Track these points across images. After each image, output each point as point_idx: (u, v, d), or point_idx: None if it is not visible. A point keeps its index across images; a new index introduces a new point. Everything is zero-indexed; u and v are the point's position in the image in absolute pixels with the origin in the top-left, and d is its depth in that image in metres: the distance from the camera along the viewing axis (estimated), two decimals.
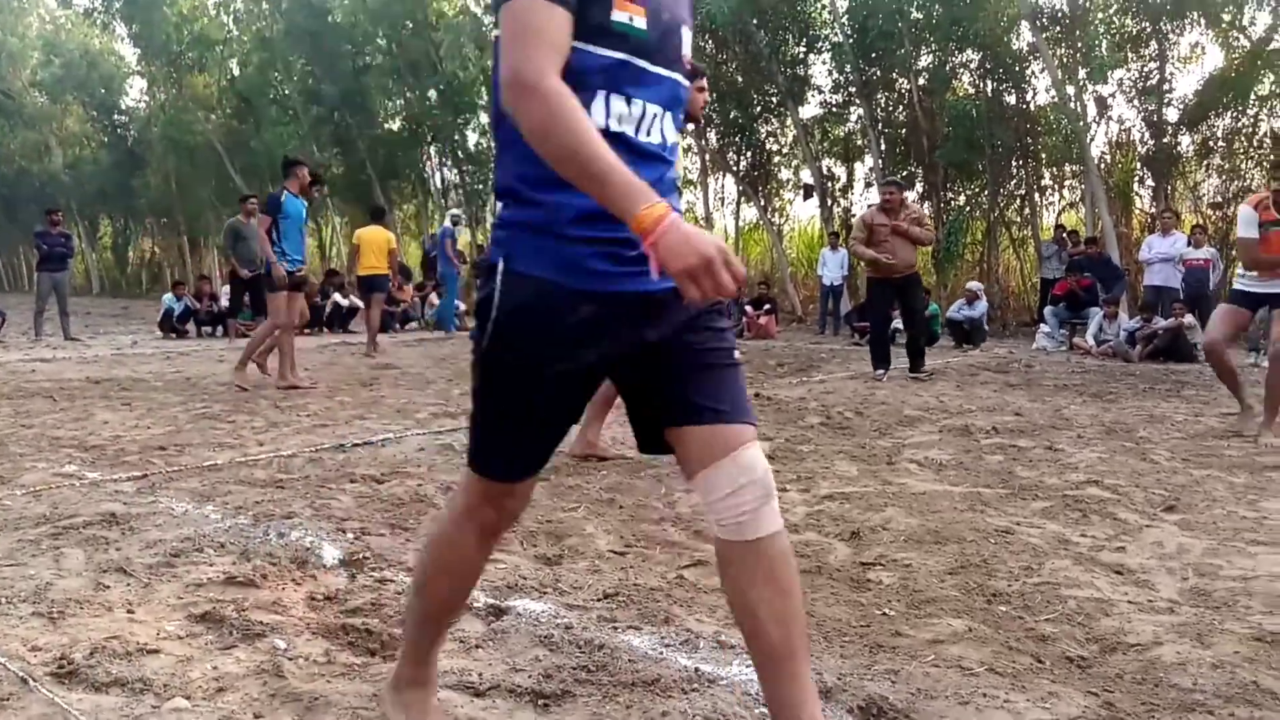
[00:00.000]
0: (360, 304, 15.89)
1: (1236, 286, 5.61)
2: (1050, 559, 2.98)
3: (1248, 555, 3.01)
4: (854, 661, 2.17)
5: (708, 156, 21.15)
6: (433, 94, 23.35)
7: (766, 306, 14.73)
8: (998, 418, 6.00)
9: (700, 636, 2.27)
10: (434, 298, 16.01)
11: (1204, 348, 5.70)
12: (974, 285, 13.16)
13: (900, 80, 18.19)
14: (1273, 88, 15.78)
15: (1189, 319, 10.70)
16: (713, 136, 21.16)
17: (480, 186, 23.75)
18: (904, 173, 18.68)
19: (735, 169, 21.16)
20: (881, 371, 8.47)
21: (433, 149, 24.65)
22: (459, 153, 24.26)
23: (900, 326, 9.72)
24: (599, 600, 2.54)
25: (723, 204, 22.90)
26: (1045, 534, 3.27)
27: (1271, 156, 15.83)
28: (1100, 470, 4.37)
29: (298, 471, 4.27)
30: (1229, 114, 15.87)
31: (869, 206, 10.55)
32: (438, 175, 25.30)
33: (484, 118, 23.83)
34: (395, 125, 25.26)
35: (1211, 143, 16.26)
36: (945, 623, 2.40)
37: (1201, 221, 11.66)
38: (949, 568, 2.88)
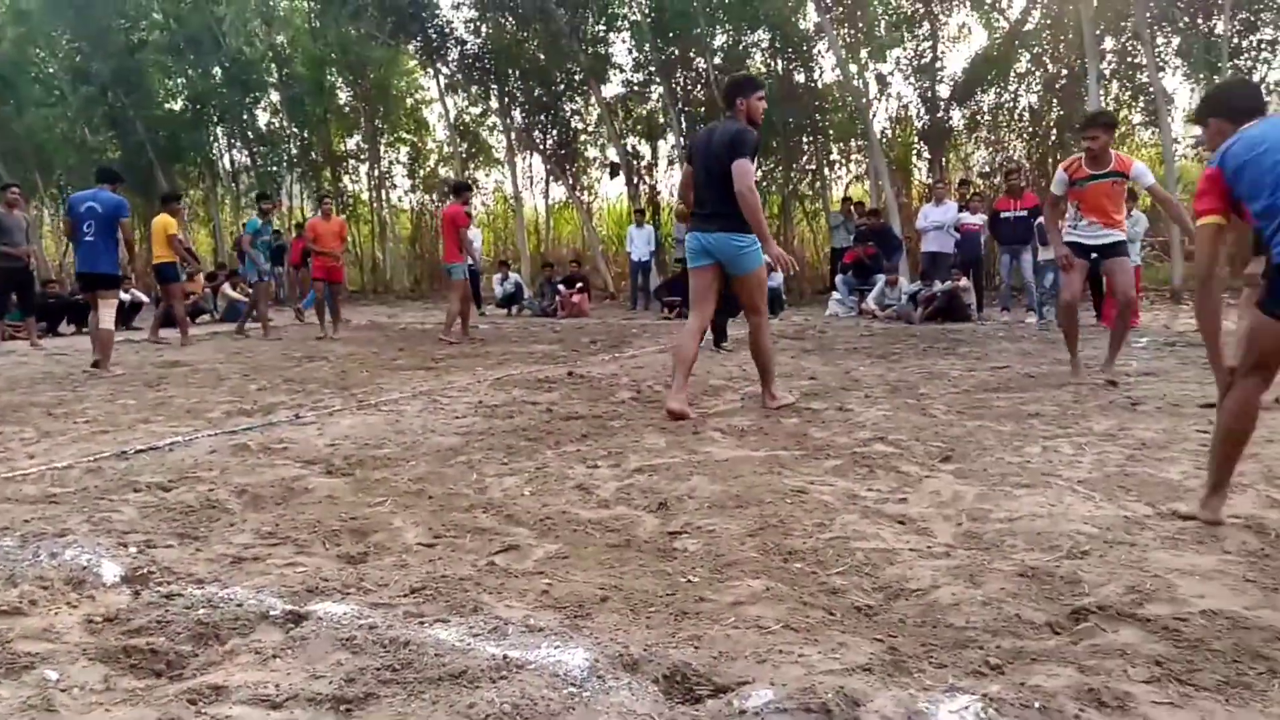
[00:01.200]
0: (143, 298, 14.85)
1: (1068, 239, 6.15)
2: (841, 514, 3.16)
3: (1013, 498, 3.31)
4: (660, 631, 2.23)
5: (514, 135, 20.93)
6: (217, 71, 21.91)
7: (579, 285, 14.82)
8: (794, 382, 6.30)
9: (509, 623, 2.27)
10: (227, 288, 15.12)
11: (1062, 304, 6.37)
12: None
13: (697, 59, 18.61)
14: (1029, 65, 17.22)
15: (964, 281, 11.58)
16: (518, 115, 20.96)
17: (275, 168, 22.53)
18: None
19: (542, 148, 21.05)
20: (723, 347, 8.78)
21: (219, 130, 23.19)
22: (249, 133, 22.94)
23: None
24: (405, 596, 2.49)
25: (531, 183, 22.79)
26: (836, 491, 3.47)
27: (1030, 128, 17.30)
28: (885, 427, 4.67)
29: (74, 484, 3.92)
30: (993, 90, 17.21)
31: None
32: (226, 157, 23.85)
33: (275, 96, 22.64)
34: (177, 105, 23.56)
35: (979, 117, 17.59)
36: (745, 584, 2.51)
37: (976, 190, 12.57)
38: (749, 530, 3.01)
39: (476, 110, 21.96)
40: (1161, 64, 15.71)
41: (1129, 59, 16.17)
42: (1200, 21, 15.16)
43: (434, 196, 23.43)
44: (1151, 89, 14.97)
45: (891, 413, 5.10)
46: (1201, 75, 15.18)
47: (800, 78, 18.13)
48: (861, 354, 8.13)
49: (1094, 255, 6.14)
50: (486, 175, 23.61)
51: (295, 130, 22.84)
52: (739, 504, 3.30)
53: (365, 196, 23.93)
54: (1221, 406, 2.99)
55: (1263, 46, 15.35)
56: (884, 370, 6.98)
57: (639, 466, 3.90)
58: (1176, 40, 15.85)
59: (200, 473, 4.04)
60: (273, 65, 22.06)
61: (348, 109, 22.76)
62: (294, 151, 22.97)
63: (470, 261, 11.07)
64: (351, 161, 23.89)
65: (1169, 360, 7.15)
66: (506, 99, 20.62)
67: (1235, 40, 15.18)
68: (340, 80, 22.30)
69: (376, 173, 23.20)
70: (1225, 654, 2.04)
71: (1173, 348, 8.00)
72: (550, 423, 4.96)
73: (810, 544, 2.85)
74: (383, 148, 23.24)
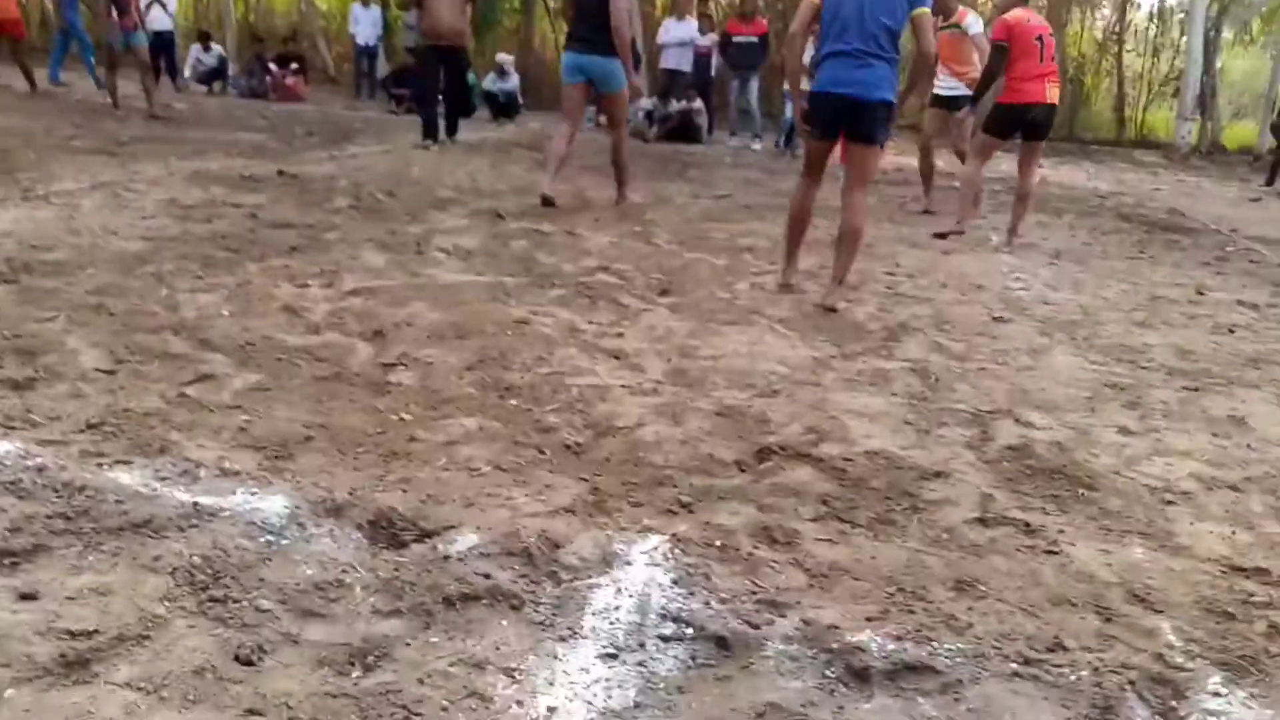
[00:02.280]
0: None
1: (934, 92, 6.90)
2: (560, 348, 3.21)
3: (720, 335, 3.50)
4: (367, 474, 2.19)
5: None
6: None
7: (294, 66, 13.45)
8: (526, 200, 6.20)
9: (201, 465, 2.13)
10: None
11: (918, 145, 7.29)
12: (502, 57, 13.10)
13: None
14: None
15: (698, 103, 11.73)
16: None
17: None
18: None
19: None
20: (429, 142, 8.59)
21: None
22: None
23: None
24: (81, 432, 2.26)
25: None
26: (558, 322, 3.50)
27: None
28: (610, 255, 4.74)
29: None
30: None
31: None
32: None
33: None
34: None
35: None
36: (459, 423, 2.51)
37: (705, 11, 12.54)
38: (468, 363, 2.98)
39: None
40: None
41: None
42: None
43: None
44: None
45: (618, 240, 5.17)
46: None
47: None
48: (595, 172, 8.10)
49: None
50: None
51: None
52: (459, 334, 3.25)
53: None
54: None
55: None
56: (613, 192, 7.01)
57: (355, 288, 3.71)
58: None
59: None
60: None
61: None
62: None
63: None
64: None
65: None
66: None
67: None
68: None
69: None
70: (880, 491, 2.32)
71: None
72: (255, 231, 4.58)
73: (528, 379, 2.88)
74: None
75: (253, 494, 2.02)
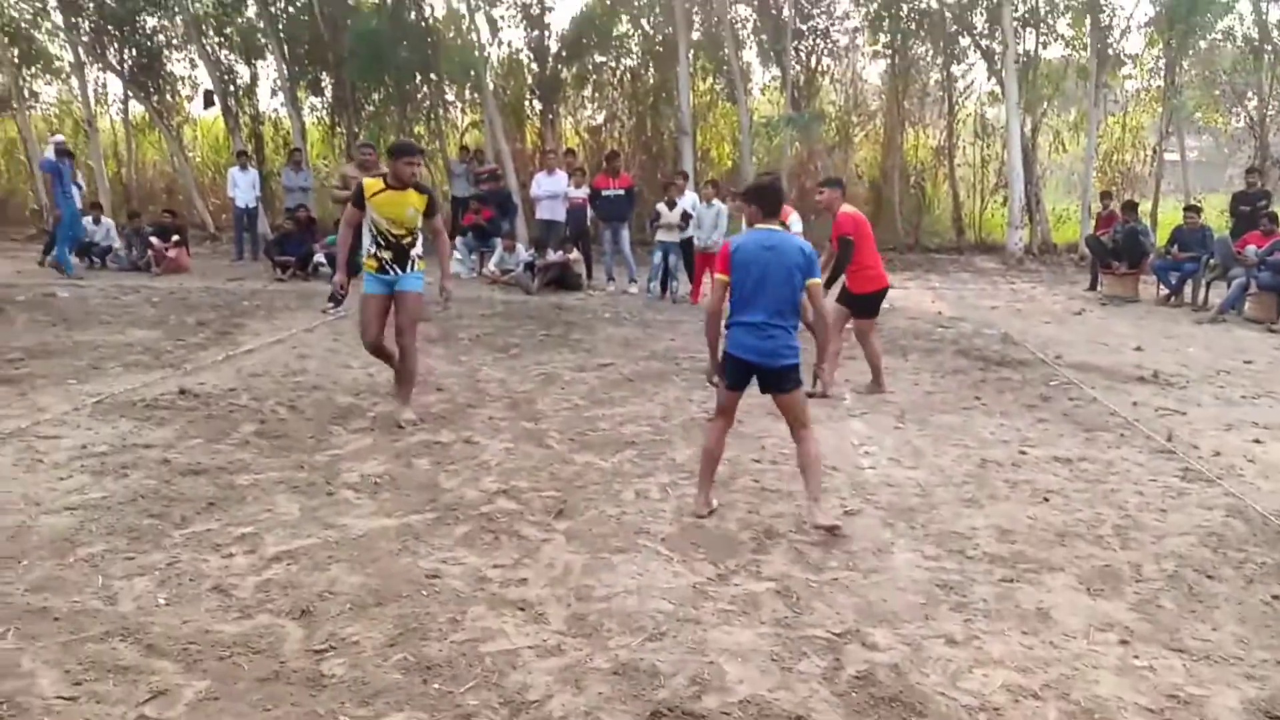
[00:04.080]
0: None
1: None
2: (471, 605, 3.64)
3: (611, 569, 4.00)
4: None
5: (81, 49, 18.33)
6: None
7: (175, 238, 13.63)
8: (422, 398, 6.64)
9: None
10: None
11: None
12: None
13: None
14: (628, 27, 18.36)
15: (575, 254, 12.47)
16: (86, 24, 18.37)
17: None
18: (311, 77, 18.30)
19: (119, 67, 18.69)
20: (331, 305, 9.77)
21: None
22: None
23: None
24: None
25: (108, 100, 20.20)
26: (466, 571, 3.93)
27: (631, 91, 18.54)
28: (508, 468, 5.22)
29: None
30: (597, 50, 18.17)
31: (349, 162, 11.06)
32: None
33: None
34: None
35: (586, 74, 18.51)
36: None
37: (579, 165, 13.40)
38: (390, 638, 3.38)
39: (30, 10, 18.86)
40: (739, 41, 17.58)
41: (712, 31, 17.87)
42: (771, 7, 17.14)
43: None
44: (729, 67, 16.74)
45: (513, 444, 5.65)
46: (771, 54, 17.26)
47: (412, 14, 17.78)
48: (484, 346, 8.63)
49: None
50: (48, 84, 20.56)
51: None
52: (378, 600, 3.65)
53: None
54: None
55: (816, 33, 17.77)
56: (505, 373, 7.54)
57: (276, 554, 4.07)
58: (754, 18, 17.81)
59: None
60: None
61: None
62: None
63: None
64: None
65: None
66: (71, 4, 17.96)
67: (797, 23, 17.40)
68: None
69: None
70: None
71: None
72: (171, 483, 4.87)
73: (445, 652, 3.29)
74: None
75: None
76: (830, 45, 18.46)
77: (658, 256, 11.85)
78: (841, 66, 19.12)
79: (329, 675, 3.15)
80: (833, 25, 18.18)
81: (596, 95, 18.78)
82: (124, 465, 5.15)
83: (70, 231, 12.89)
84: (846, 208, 6.50)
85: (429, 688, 3.09)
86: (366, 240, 6.23)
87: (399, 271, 6.03)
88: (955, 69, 18.37)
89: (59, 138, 13.94)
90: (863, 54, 19.34)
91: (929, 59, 18.70)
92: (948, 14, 17.27)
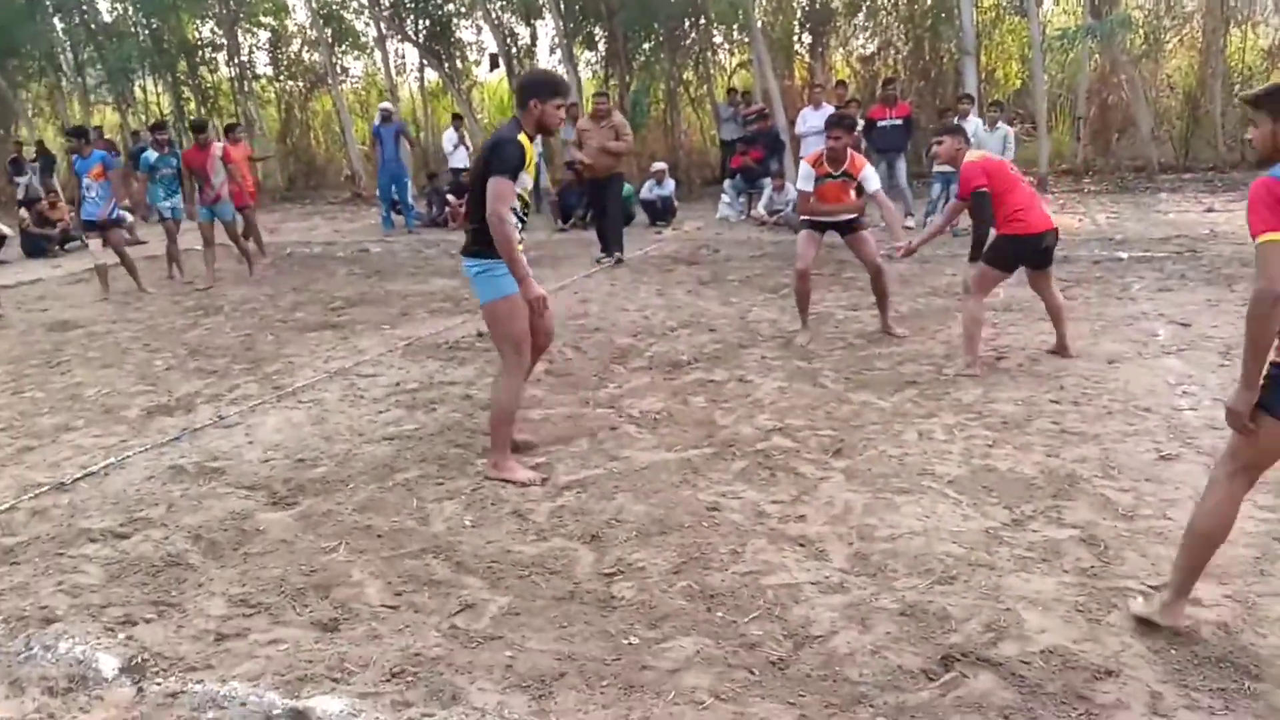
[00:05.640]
0: (4, 230, 14.04)
1: (804, 217, 6.73)
2: (751, 538, 3.64)
3: (894, 509, 3.85)
4: (614, 711, 2.68)
5: (382, 24, 20.00)
6: None
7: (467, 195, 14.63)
8: (696, 338, 6.73)
9: (485, 713, 2.68)
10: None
11: (795, 272, 6.76)
12: (659, 166, 13.84)
13: None
14: None
15: None
16: (386, 0, 19.99)
17: (125, 61, 20.90)
18: (585, 32, 18.82)
19: (415, 37, 20.23)
20: (608, 255, 10.06)
21: (57, 21, 21.35)
22: (91, 25, 21.24)
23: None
24: (387, 681, 2.86)
25: (405, 70, 21.95)
26: (745, 505, 3.94)
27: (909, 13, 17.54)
28: (782, 407, 5.16)
29: (23, 531, 4.10)
30: None
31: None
32: (69, 51, 22.05)
33: None
34: None
35: (856, 1, 17.72)
36: (678, 644, 2.97)
37: (854, 96, 12.89)
38: (674, 565, 3.46)
39: None
40: None
41: None
42: None
43: (301, 84, 22.41)
44: None
45: (787, 383, 5.58)
46: None
47: None
48: (753, 287, 8.59)
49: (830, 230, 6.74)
50: (356, 59, 22.65)
51: (143, 20, 21.21)
52: (662, 529, 3.75)
53: (225, 88, 22.64)
54: (1200, 506, 2.86)
55: None
56: (776, 313, 7.46)
57: (567, 482, 4.29)
58: None
59: (147, 510, 4.24)
60: None
61: None
62: (143, 41, 21.37)
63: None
64: (208, 51, 22.44)
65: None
66: None
67: None
68: None
69: (237, 61, 21.91)
70: (1056, 697, 2.62)
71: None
72: (473, 416, 5.26)
73: (728, 582, 3.32)
74: (240, 34, 21.88)
75: None
76: None
77: (936, 189, 11.21)
78: None
79: (618, 597, 3.28)
80: None
81: (870, 22, 17.93)
82: (432, 400, 5.63)
83: (386, 194, 14.27)
84: (972, 154, 5.65)
85: (713, 615, 3.14)
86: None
87: None
88: None
89: (384, 105, 15.27)
90: None
91: None
92: None
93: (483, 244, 4.20)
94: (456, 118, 16.68)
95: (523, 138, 4.16)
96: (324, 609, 3.31)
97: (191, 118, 19.12)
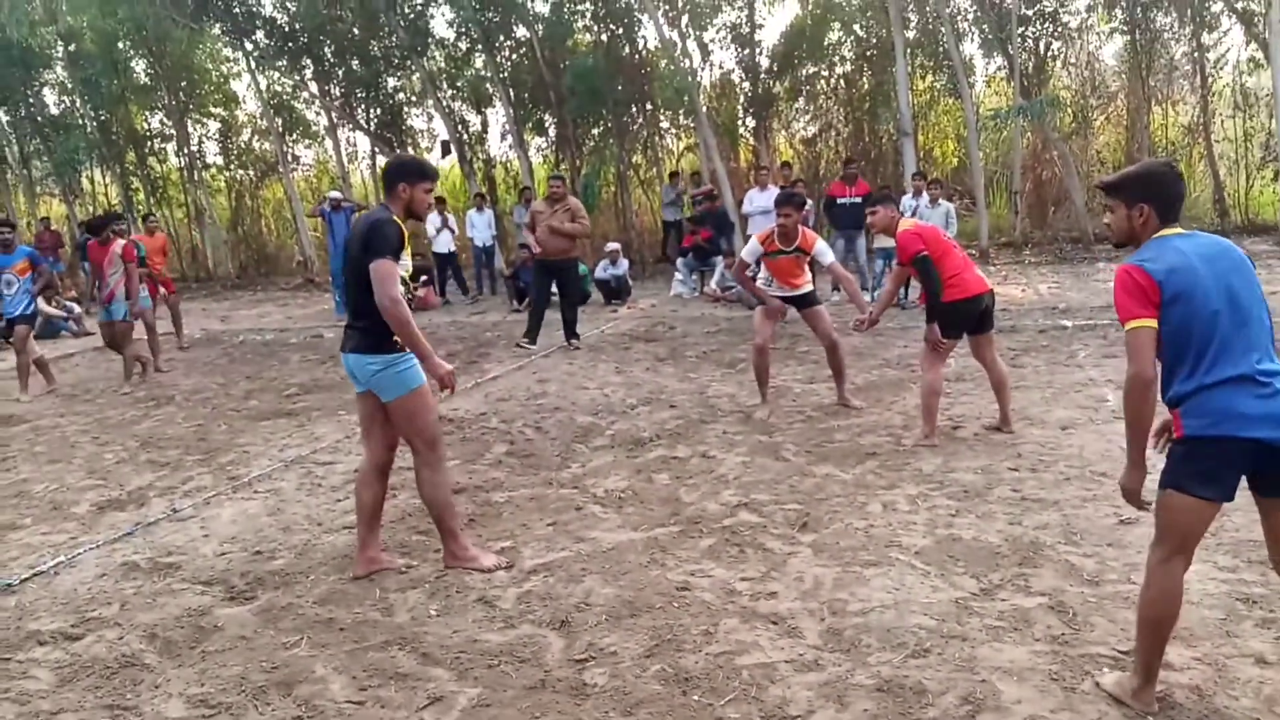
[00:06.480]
0: None
1: (769, 291, 6.90)
2: (723, 617, 3.61)
3: (863, 581, 3.85)
4: None
5: (333, 113, 20.22)
6: None
7: (423, 278, 14.68)
8: (657, 415, 6.74)
9: None
10: (41, 303, 14.05)
11: (754, 347, 6.92)
12: (613, 246, 14.06)
13: (520, 29, 18.46)
14: (840, 34, 18.04)
15: None
16: (336, 90, 20.25)
17: (71, 154, 20.79)
18: (536, 119, 19.17)
19: (366, 125, 20.46)
20: (528, 342, 9.88)
21: (2, 112, 21.24)
22: (38, 118, 21.17)
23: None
24: None
25: (356, 158, 22.12)
26: (715, 584, 3.91)
27: (846, 97, 18.19)
28: (746, 482, 5.17)
29: None
30: (810, 61, 17.97)
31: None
32: (14, 144, 21.90)
33: (64, 74, 20.94)
34: None
35: (799, 86, 18.35)
36: None
37: (799, 178, 13.26)
38: (647, 648, 3.41)
39: (290, 84, 21.04)
40: (959, 34, 16.83)
41: (929, 27, 17.21)
42: None
43: (252, 173, 22.46)
44: (950, 61, 16.03)
45: (750, 458, 5.61)
46: (994, 46, 16.40)
47: (626, 49, 18.32)
48: (711, 363, 8.67)
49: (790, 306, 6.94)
50: (307, 148, 22.80)
51: (90, 112, 21.19)
52: (632, 611, 3.70)
53: (175, 178, 22.60)
54: (1144, 595, 2.83)
55: (1044, 17, 16.72)
56: (735, 388, 7.52)
57: (533, 566, 4.23)
58: (974, 10, 17.01)
59: (100, 610, 4.08)
60: (59, 42, 20.34)
61: (148, 84, 21.28)
62: (90, 133, 21.31)
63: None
64: (157, 141, 22.44)
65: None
66: (323, 74, 19.89)
67: (1022, 8, 16.45)
68: (137, 54, 20.80)
69: (187, 151, 21.92)
70: None
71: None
72: None
73: (702, 664, 3.28)
74: (190, 125, 21.94)
75: None
76: (1060, 28, 17.31)
77: (879, 264, 11.51)
78: (1074, 49, 17.91)
79: (591, 684, 3.22)
80: (1061, 6, 17.05)
81: (810, 106, 18.55)
82: (392, 486, 5.51)
83: (339, 279, 14.25)
84: (905, 224, 5.89)
85: (689, 699, 3.08)
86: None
87: None
88: (1206, 37, 16.71)
89: (333, 193, 15.30)
90: (1097, 33, 18.04)
91: (1174, 30, 17.14)
92: None
93: (377, 338, 3.99)
94: (440, 201, 16.68)
95: (396, 219, 4.03)
96: (287, 707, 3.20)
97: (141, 210, 19.06)
